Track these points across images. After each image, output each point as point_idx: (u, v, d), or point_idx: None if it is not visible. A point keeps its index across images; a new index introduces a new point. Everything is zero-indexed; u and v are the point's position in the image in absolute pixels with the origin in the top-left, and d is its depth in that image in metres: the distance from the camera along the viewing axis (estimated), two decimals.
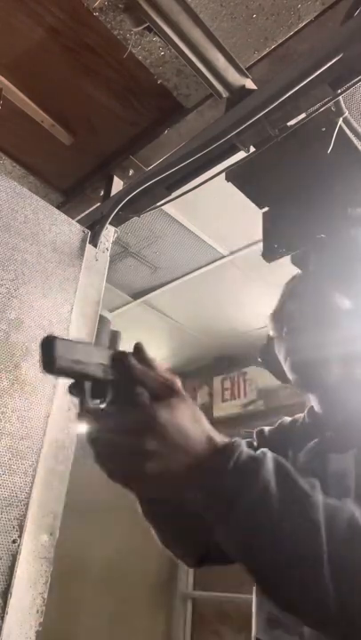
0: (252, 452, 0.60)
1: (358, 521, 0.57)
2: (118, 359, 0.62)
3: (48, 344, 0.56)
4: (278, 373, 1.03)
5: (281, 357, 0.99)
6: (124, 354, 0.63)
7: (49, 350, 0.56)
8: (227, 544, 0.60)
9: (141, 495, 0.76)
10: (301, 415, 1.02)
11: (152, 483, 0.60)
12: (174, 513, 0.88)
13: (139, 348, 0.63)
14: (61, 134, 1.56)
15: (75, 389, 0.60)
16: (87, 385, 0.60)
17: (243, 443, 0.60)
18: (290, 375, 0.96)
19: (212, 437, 0.60)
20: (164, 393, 0.61)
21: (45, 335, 0.58)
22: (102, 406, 0.60)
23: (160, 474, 0.57)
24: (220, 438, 0.61)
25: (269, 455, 0.60)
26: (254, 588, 0.92)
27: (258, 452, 0.61)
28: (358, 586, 0.55)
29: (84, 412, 0.59)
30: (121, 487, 0.60)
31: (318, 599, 0.54)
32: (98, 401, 0.60)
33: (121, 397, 0.60)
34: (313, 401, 0.98)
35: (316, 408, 0.97)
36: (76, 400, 0.60)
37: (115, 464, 0.58)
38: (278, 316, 1.02)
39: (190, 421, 0.60)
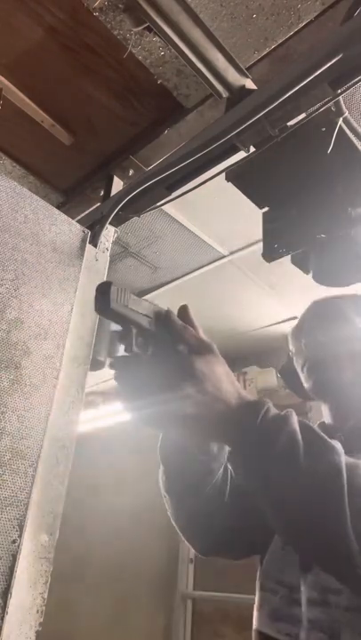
0: (277, 410, 0.65)
1: None
2: (162, 314, 0.68)
3: (105, 288, 0.62)
4: (298, 389, 1.11)
5: (298, 369, 1.07)
6: (168, 311, 0.69)
7: (105, 294, 0.61)
8: (254, 489, 0.64)
9: (173, 439, 0.80)
10: None
11: (184, 426, 0.65)
12: (194, 484, 0.92)
13: (184, 309, 0.70)
14: (61, 134, 1.56)
15: (122, 334, 0.65)
16: (134, 331, 0.64)
17: (270, 402, 0.65)
18: (306, 383, 1.04)
19: (242, 393, 0.66)
20: (201, 349, 0.66)
21: (102, 281, 0.65)
22: (145, 354, 0.65)
23: (194, 418, 0.63)
24: (250, 395, 0.66)
25: (293, 413, 0.65)
26: (257, 579, 0.95)
27: (283, 411, 0.66)
28: None
29: (129, 358, 0.65)
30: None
31: (342, 542, 0.57)
32: (142, 348, 0.65)
33: (161, 349, 0.65)
34: (325, 412, 1.04)
35: (328, 419, 1.03)
36: (121, 345, 0.65)
37: (154, 405, 0.63)
38: (298, 332, 1.11)
39: (224, 376, 0.66)
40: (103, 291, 0.61)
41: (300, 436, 0.62)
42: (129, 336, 0.64)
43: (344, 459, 0.61)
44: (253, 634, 0.89)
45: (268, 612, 0.87)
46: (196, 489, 0.92)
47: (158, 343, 0.65)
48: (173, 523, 0.99)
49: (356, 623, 0.73)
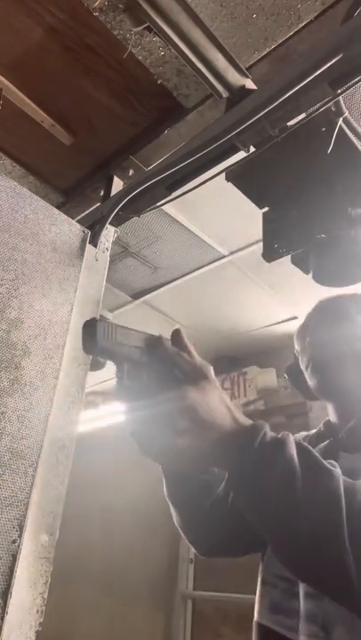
0: (274, 433, 0.65)
1: None
2: (152, 344, 0.67)
3: (90, 326, 0.61)
4: (303, 389, 1.11)
5: (303, 367, 1.07)
6: (158, 339, 0.68)
7: (91, 332, 0.61)
8: (252, 515, 0.64)
9: (171, 469, 0.81)
10: (314, 430, 1.09)
11: (181, 458, 0.64)
12: (195, 497, 0.95)
13: (176, 333, 0.69)
14: (61, 134, 1.56)
15: (115, 369, 0.65)
16: (126, 365, 0.64)
17: (266, 425, 0.65)
18: (310, 381, 1.05)
19: (238, 418, 0.65)
20: (195, 376, 0.65)
21: (88, 318, 0.65)
22: (138, 386, 0.65)
23: (189, 449, 0.62)
24: (246, 420, 0.66)
25: (291, 437, 0.65)
26: (259, 574, 0.96)
27: (279, 434, 0.65)
28: None
29: (121, 391, 0.65)
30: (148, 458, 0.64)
31: (340, 568, 0.56)
32: (135, 381, 0.65)
33: (154, 379, 0.65)
34: (330, 410, 1.05)
35: (333, 418, 1.04)
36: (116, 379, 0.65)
37: (148, 440, 0.63)
38: (303, 331, 1.12)
39: (218, 403, 0.65)
40: (89, 329, 0.61)
41: (297, 463, 0.61)
42: (120, 372, 0.64)
43: (342, 483, 0.61)
44: (254, 626, 0.91)
45: (268, 604, 0.89)
46: (197, 500, 0.94)
47: (150, 374, 0.65)
48: (176, 525, 1.00)
49: (347, 618, 0.75)
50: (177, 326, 0.71)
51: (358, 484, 0.62)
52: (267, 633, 0.86)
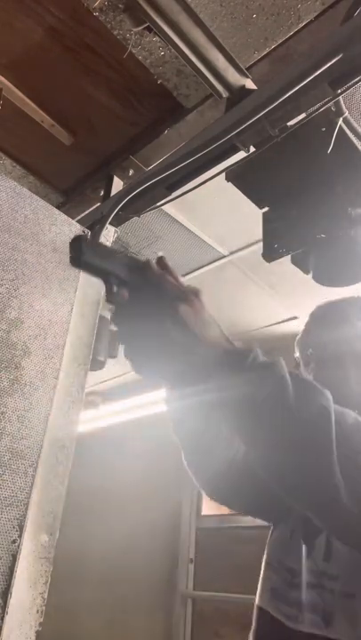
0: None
1: None
2: (140, 264, 0.66)
3: (77, 241, 0.61)
4: None
5: (303, 370, 1.08)
6: (146, 260, 0.67)
7: (77, 247, 0.61)
8: (244, 436, 0.66)
9: (167, 386, 0.81)
10: None
11: (173, 375, 0.65)
12: (198, 428, 0.94)
13: (161, 259, 0.68)
14: (61, 134, 1.56)
15: (104, 287, 0.64)
16: (113, 281, 0.63)
17: (259, 349, 0.65)
18: None
19: (228, 339, 0.65)
20: (186, 294, 0.64)
21: (75, 235, 0.63)
22: (127, 304, 0.63)
23: (182, 365, 0.62)
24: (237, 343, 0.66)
25: (282, 360, 0.65)
26: (264, 557, 0.97)
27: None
28: None
29: (111, 304, 0.64)
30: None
31: (329, 485, 0.58)
32: (123, 297, 0.63)
33: (144, 296, 0.63)
34: None
35: None
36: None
37: (141, 357, 0.63)
38: (305, 340, 1.12)
39: (210, 320, 0.65)
40: (76, 243, 0.61)
41: (289, 380, 0.61)
42: (108, 287, 0.63)
43: (333, 404, 0.62)
44: (255, 609, 0.93)
45: (269, 588, 0.91)
46: (201, 433, 0.94)
47: (140, 292, 0.63)
48: (184, 461, 1.00)
49: (348, 607, 0.76)
50: (160, 253, 0.70)
51: (347, 411, 0.63)
52: (266, 617, 0.88)
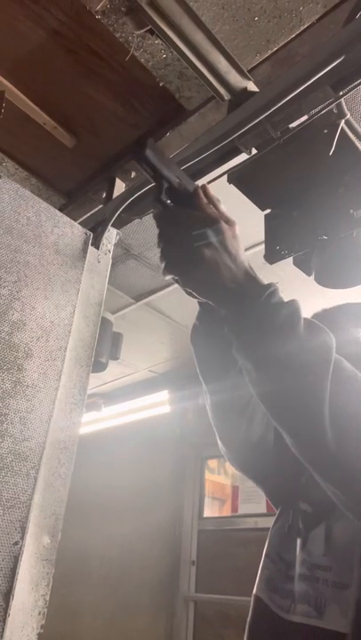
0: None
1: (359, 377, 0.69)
2: (191, 184, 0.75)
3: (143, 142, 0.69)
4: None
5: None
6: (196, 185, 0.77)
7: (141, 147, 0.68)
8: (247, 365, 0.71)
9: (194, 294, 0.86)
10: None
11: (200, 285, 0.74)
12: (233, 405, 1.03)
13: (205, 188, 0.77)
14: (64, 137, 1.56)
15: (155, 189, 0.73)
16: (165, 185, 0.71)
17: (279, 288, 0.74)
18: None
19: (254, 270, 0.75)
20: (228, 220, 0.74)
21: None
22: (172, 209, 0.73)
23: (210, 277, 0.71)
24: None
25: (298, 301, 0.73)
26: (265, 549, 0.99)
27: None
28: (352, 432, 0.64)
29: (157, 205, 0.72)
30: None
31: (319, 429, 0.63)
32: (170, 204, 0.72)
33: (189, 206, 0.72)
34: None
35: None
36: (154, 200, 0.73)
37: (176, 257, 0.71)
38: None
39: (241, 247, 0.74)
40: (140, 145, 0.68)
41: (301, 314, 0.69)
42: (159, 188, 0.70)
43: (335, 354, 0.69)
44: (252, 598, 0.95)
45: (266, 578, 0.94)
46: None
47: (186, 202, 0.71)
48: (210, 415, 1.07)
49: (340, 598, 0.77)
50: (202, 183, 0.79)
51: (344, 360, 0.70)
52: (260, 606, 0.91)
